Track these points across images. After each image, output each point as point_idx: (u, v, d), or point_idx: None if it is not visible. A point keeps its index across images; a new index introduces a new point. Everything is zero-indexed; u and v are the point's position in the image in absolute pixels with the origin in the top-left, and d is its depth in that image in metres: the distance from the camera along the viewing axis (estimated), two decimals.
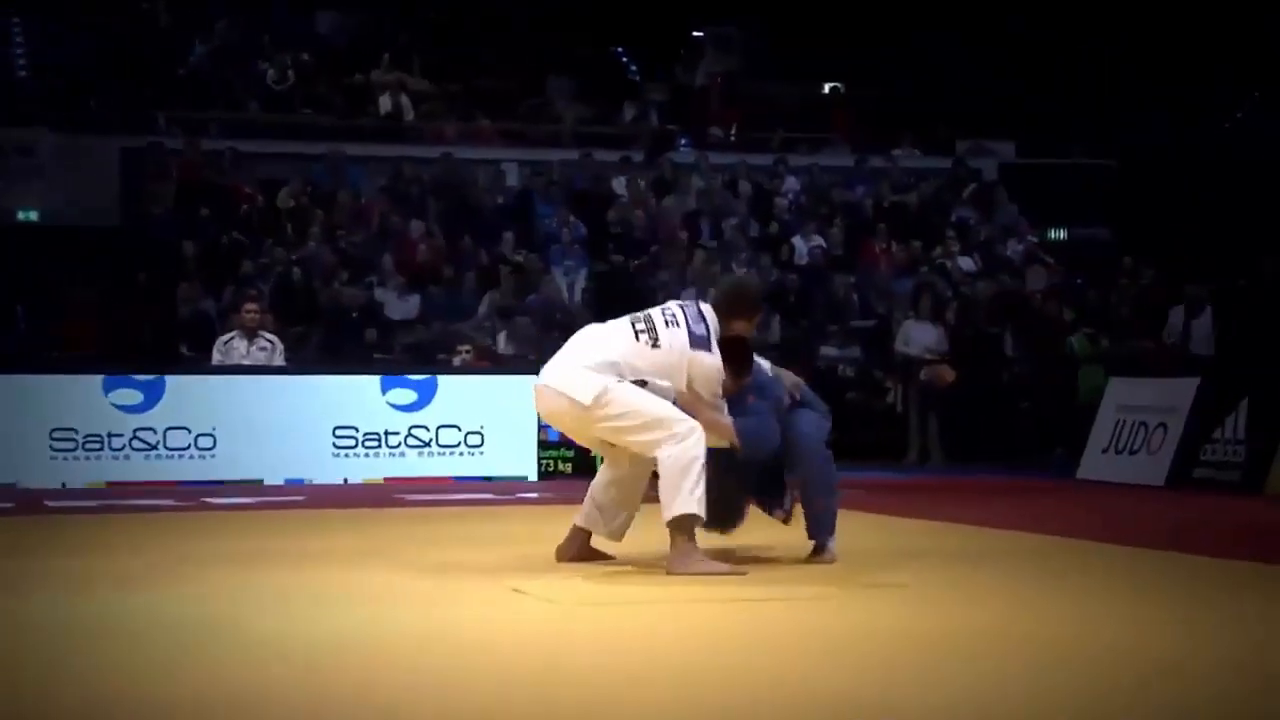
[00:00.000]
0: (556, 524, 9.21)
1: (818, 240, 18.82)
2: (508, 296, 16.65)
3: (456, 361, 14.10)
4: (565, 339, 7.27)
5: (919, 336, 15.95)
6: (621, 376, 6.71)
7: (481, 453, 13.11)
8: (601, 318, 7.35)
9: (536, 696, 4.19)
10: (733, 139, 22.11)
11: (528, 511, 10.55)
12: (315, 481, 12.55)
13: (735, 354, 6.87)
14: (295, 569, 6.86)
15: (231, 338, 13.18)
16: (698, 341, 6.75)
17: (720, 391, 6.77)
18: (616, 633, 5.24)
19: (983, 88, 22.82)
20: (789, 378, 7.15)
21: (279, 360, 13.23)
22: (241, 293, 14.76)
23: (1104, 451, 13.30)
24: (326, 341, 15.79)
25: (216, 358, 13.13)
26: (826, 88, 24.13)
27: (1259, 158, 20.42)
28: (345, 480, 12.68)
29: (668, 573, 6.53)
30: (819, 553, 6.98)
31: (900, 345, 16.05)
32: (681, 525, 6.55)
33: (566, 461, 13.39)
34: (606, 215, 18.80)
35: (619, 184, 19.50)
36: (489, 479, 12.93)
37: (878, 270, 18.63)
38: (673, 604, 5.88)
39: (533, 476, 13.06)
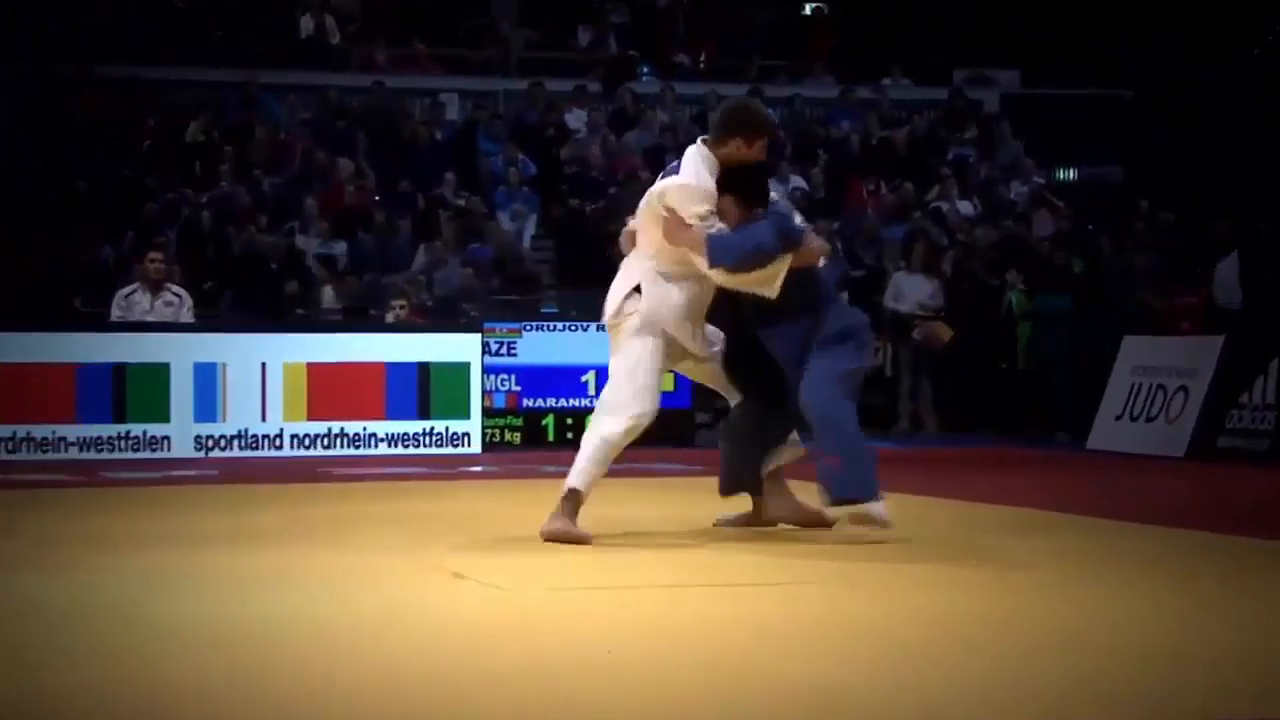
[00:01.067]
0: (500, 501, 9.28)
1: (798, 181, 18.88)
2: (448, 245, 16.66)
3: (389, 318, 14.13)
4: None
5: (911, 290, 16.03)
6: (637, 286, 7.11)
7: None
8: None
9: (482, 690, 4.24)
10: (702, 67, 22.11)
11: (470, 487, 10.60)
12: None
13: (742, 180, 7.04)
14: (214, 550, 6.88)
15: (133, 290, 13.15)
16: (667, 173, 7.21)
17: (704, 211, 6.99)
18: (564, 620, 5.30)
19: (983, 9, 22.86)
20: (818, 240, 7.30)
21: (187, 316, 13.21)
22: (144, 240, 14.71)
23: (1117, 419, 13.43)
24: (240, 295, 15.76)
25: (116, 313, 13.11)
26: (808, 9, 24.15)
27: None
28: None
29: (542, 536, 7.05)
30: (860, 519, 6.99)
31: (890, 300, 16.13)
32: (571, 496, 7.07)
33: (514, 431, 13.44)
34: (559, 153, 18.80)
35: (573, 118, 19.49)
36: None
37: (865, 215, 18.70)
38: (624, 590, 5.94)
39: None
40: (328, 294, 15.65)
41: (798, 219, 7.20)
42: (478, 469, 11.90)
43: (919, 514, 8.36)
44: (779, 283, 6.91)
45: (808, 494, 7.31)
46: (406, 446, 12.92)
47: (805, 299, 7.01)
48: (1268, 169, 19.03)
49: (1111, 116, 21.83)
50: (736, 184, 7.04)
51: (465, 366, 13.14)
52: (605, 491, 7.29)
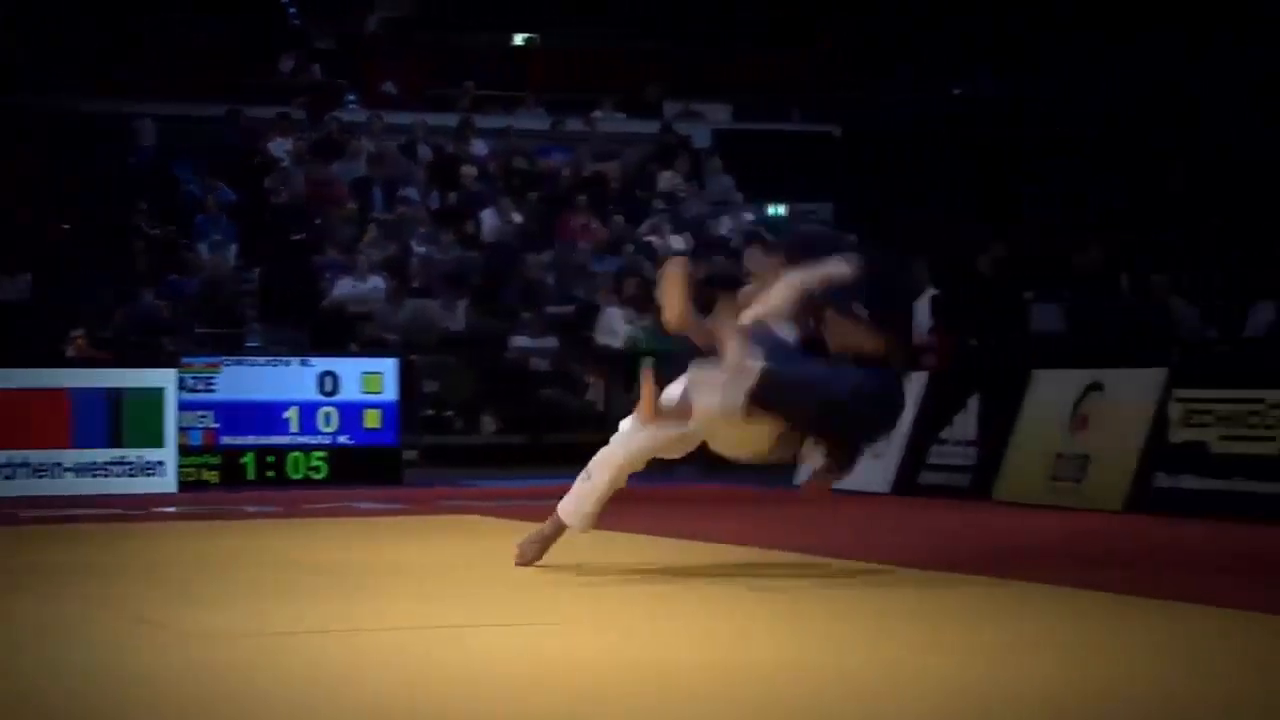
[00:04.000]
0: (196, 543, 9.11)
1: (508, 214, 18.98)
2: (142, 276, 16.30)
3: (70, 352, 13.76)
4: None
5: (623, 326, 16.22)
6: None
7: None
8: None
9: None
10: (410, 95, 22.06)
11: (165, 529, 10.39)
12: None
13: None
14: None
15: None
16: None
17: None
18: (254, 669, 5.23)
19: (694, 42, 23.31)
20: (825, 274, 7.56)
21: None
22: None
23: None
24: None
25: None
26: (520, 39, 24.30)
27: (992, 130, 21.41)
28: None
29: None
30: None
31: (602, 335, 16.30)
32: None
33: (212, 469, 13.20)
34: (261, 181, 18.58)
35: (276, 146, 19.28)
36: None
37: (576, 249, 18.89)
38: (319, 634, 5.90)
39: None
40: None
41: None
42: (172, 510, 11.66)
43: (629, 553, 8.49)
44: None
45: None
46: (95, 476, 12.59)
47: None
48: (971, 212, 19.79)
49: (821, 153, 22.41)
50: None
51: (160, 392, 12.86)
52: (313, 530, 7.22)
